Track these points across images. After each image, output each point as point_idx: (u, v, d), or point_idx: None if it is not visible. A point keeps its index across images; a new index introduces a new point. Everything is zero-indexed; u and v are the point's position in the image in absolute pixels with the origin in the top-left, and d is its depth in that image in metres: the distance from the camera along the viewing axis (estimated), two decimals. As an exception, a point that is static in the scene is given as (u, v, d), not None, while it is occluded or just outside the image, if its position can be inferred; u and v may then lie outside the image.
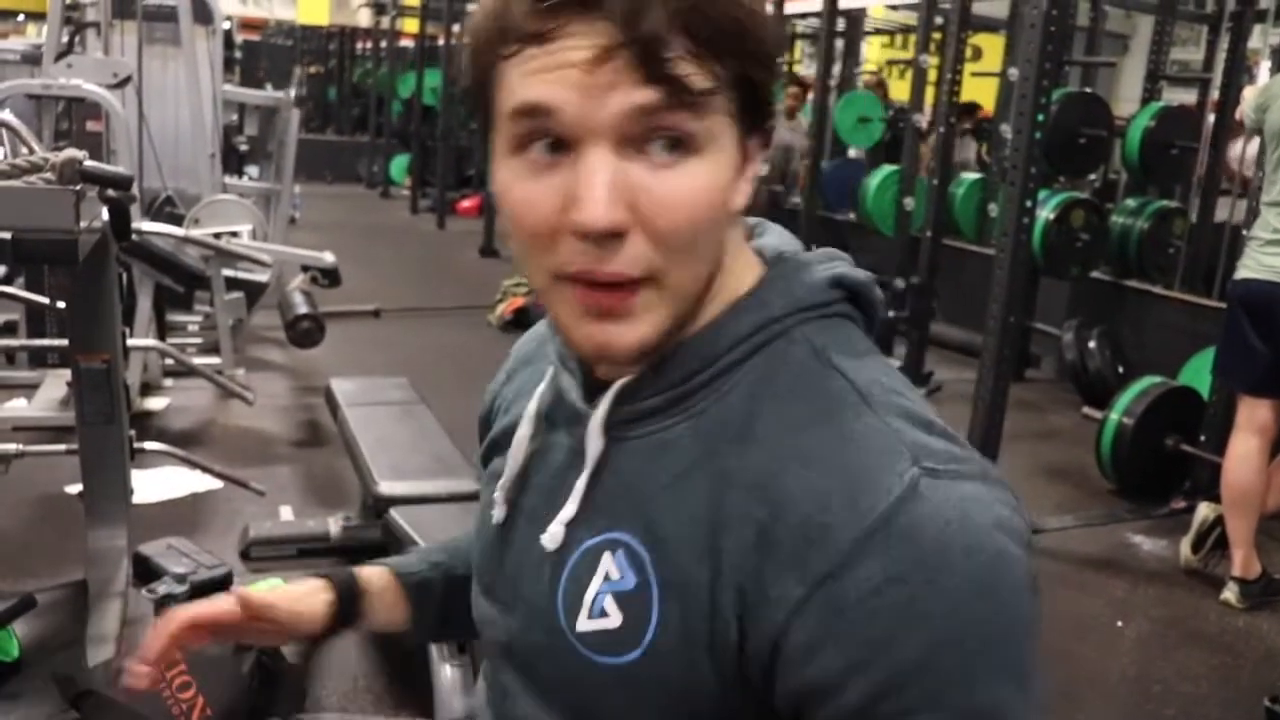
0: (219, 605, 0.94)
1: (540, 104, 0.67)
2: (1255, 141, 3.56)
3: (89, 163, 1.85)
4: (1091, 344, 4.99)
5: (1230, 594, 3.11)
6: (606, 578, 0.74)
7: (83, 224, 1.80)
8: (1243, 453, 3.09)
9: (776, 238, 0.82)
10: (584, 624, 0.75)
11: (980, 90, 6.56)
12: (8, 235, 1.75)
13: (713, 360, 0.74)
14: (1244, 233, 3.60)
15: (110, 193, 1.98)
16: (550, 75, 0.66)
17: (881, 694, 0.64)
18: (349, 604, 0.98)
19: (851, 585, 0.65)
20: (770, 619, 0.67)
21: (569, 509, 0.77)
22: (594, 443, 0.77)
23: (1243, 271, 3.07)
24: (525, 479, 0.84)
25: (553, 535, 0.78)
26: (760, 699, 0.70)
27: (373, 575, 1.01)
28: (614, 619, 0.74)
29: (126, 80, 4.25)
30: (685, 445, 0.73)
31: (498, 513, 0.85)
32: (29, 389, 3.87)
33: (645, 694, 0.73)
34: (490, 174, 0.74)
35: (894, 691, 0.64)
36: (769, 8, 0.76)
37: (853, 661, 0.64)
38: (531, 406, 0.85)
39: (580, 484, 0.77)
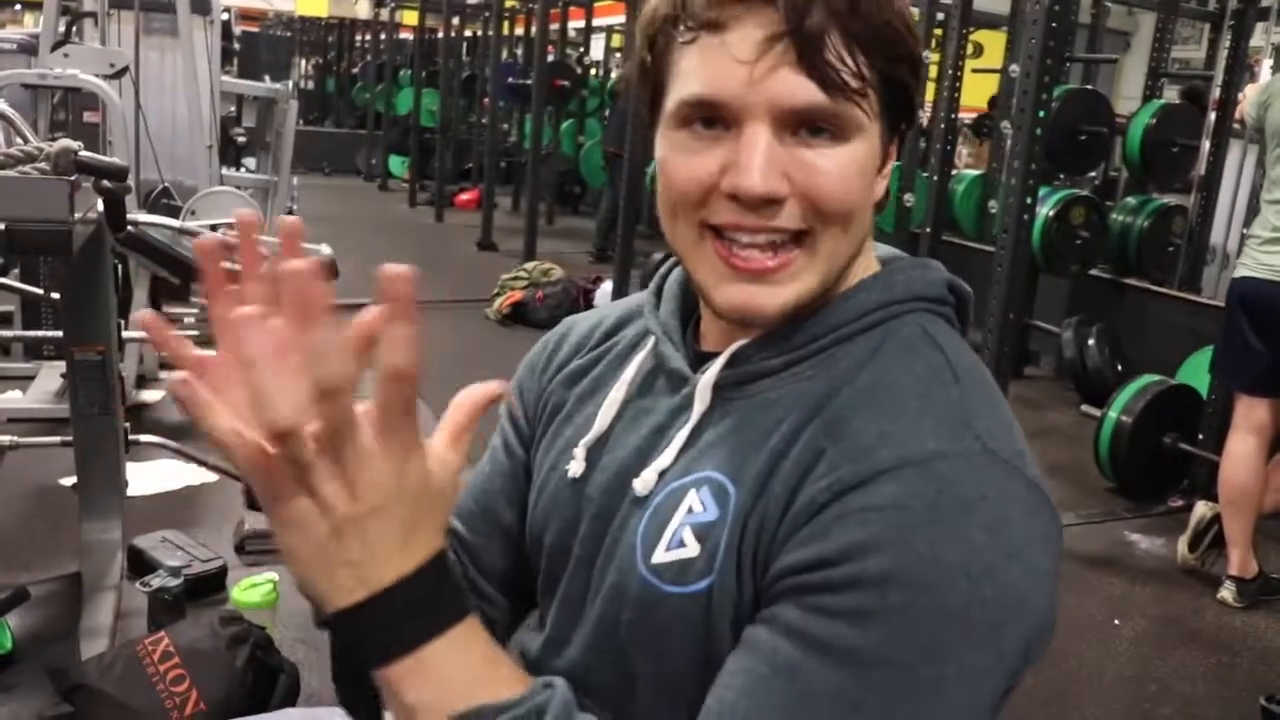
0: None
1: (708, 98, 0.75)
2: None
3: (84, 153, 1.84)
4: (1090, 342, 4.98)
5: (1227, 593, 3.11)
6: (690, 510, 0.78)
7: (77, 215, 1.79)
8: (1240, 452, 3.08)
9: (884, 246, 0.89)
10: (660, 556, 0.79)
11: (981, 87, 6.55)
12: (2, 226, 1.74)
13: (834, 329, 0.80)
14: (1243, 231, 3.60)
15: (106, 184, 1.97)
16: (720, 67, 0.74)
17: (829, 587, 0.68)
18: None
19: (863, 498, 0.69)
20: (794, 521, 0.72)
21: (665, 458, 0.82)
22: (701, 400, 0.82)
23: (1242, 270, 3.06)
24: (607, 439, 0.88)
25: (645, 481, 0.82)
26: None
27: None
28: (691, 548, 0.77)
29: (124, 71, 4.23)
30: (788, 404, 0.78)
31: (575, 467, 0.88)
32: (24, 381, 3.86)
33: (708, 621, 0.76)
34: (655, 141, 0.81)
35: (840, 590, 0.67)
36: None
37: (828, 555, 0.69)
38: (628, 373, 0.90)
39: (681, 435, 0.82)
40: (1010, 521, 0.70)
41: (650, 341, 0.90)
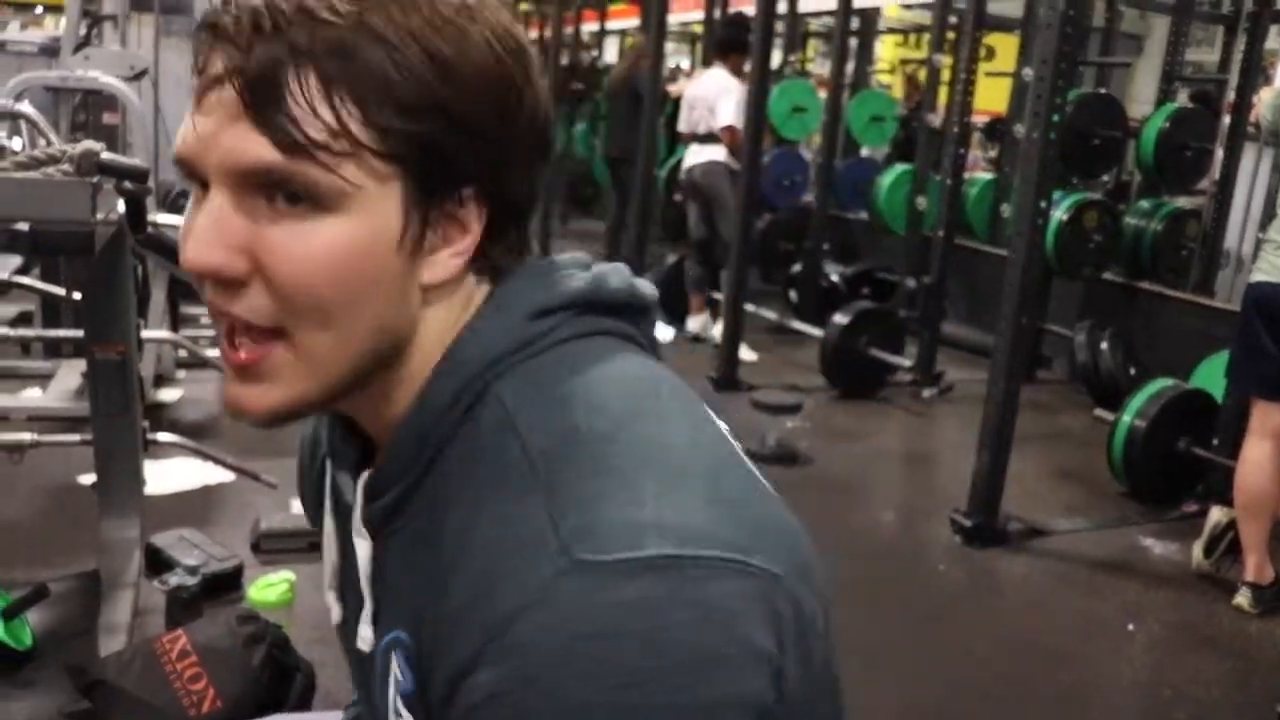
0: None
1: (177, 155, 0.64)
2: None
3: (106, 155, 1.86)
4: (1104, 345, 4.97)
5: (1243, 599, 3.10)
6: (396, 681, 0.68)
7: (99, 216, 1.81)
8: (1256, 457, 3.07)
9: (516, 272, 0.71)
10: None
11: (993, 90, 6.54)
12: (25, 226, 1.76)
13: (421, 443, 0.67)
14: (1259, 235, 3.59)
15: (127, 185, 1.99)
16: (190, 118, 0.63)
17: None
18: None
19: (467, 693, 0.58)
20: (444, 697, 0.62)
21: (367, 609, 0.72)
22: (362, 545, 0.72)
23: (1258, 274, 3.05)
24: (345, 575, 0.78)
25: (363, 637, 0.73)
26: None
27: None
28: None
29: (143, 73, 4.27)
30: (427, 537, 0.66)
31: (335, 612, 0.80)
32: (44, 379, 3.88)
33: None
34: None
35: None
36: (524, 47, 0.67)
37: None
38: (329, 502, 0.79)
39: (365, 581, 0.72)
40: (621, 646, 0.56)
41: (328, 465, 0.79)
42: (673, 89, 6.94)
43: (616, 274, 0.72)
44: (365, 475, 0.70)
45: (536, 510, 0.59)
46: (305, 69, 0.59)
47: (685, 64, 10.73)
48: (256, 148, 0.60)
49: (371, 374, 0.67)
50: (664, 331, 5.77)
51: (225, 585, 2.64)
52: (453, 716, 0.60)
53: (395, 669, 0.68)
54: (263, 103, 0.59)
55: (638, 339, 0.72)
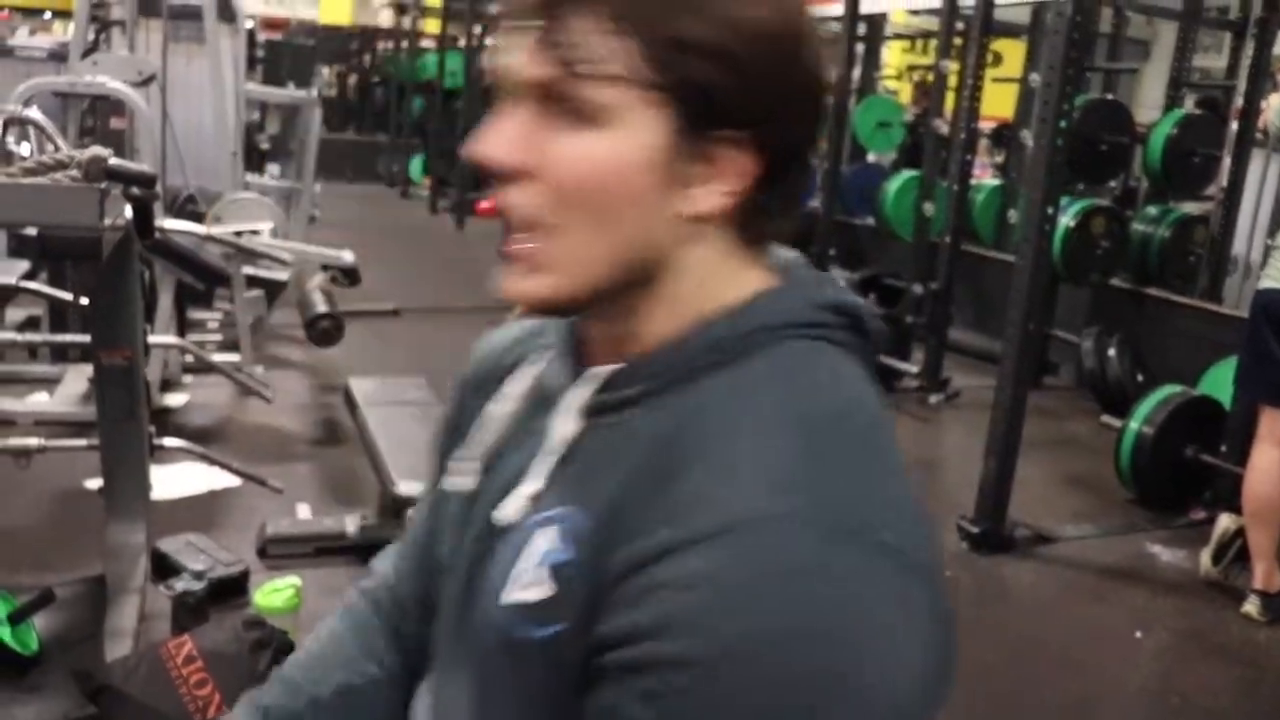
0: None
1: (490, 68, 0.74)
2: None
3: (114, 161, 1.86)
4: (1111, 352, 4.96)
5: (1251, 607, 3.09)
6: (548, 549, 0.73)
7: (107, 221, 1.82)
8: (1265, 465, 3.06)
9: (786, 259, 0.81)
10: (517, 593, 0.74)
11: (1000, 96, 6.54)
12: (34, 231, 1.77)
13: (689, 358, 0.74)
14: (1267, 242, 3.58)
15: (134, 190, 1.99)
16: (498, 39, 0.73)
17: (636, 667, 0.64)
18: None
19: (673, 568, 0.64)
20: (614, 583, 0.67)
21: (531, 485, 0.77)
22: (564, 424, 0.77)
23: (1266, 281, 3.05)
24: (500, 455, 0.84)
25: (513, 508, 0.77)
26: None
27: None
28: (547, 588, 0.72)
29: (151, 78, 4.28)
30: (645, 434, 0.73)
31: (465, 481, 0.85)
32: (51, 384, 3.89)
33: (563, 665, 0.71)
34: None
35: (642, 671, 0.63)
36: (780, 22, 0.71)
37: (637, 630, 0.64)
38: (519, 387, 0.86)
39: (548, 462, 0.77)
40: (825, 599, 0.62)
41: (546, 354, 0.86)
42: None
43: (873, 311, 0.80)
44: (608, 369, 0.76)
45: (794, 458, 0.67)
46: (592, 2, 0.68)
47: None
48: (543, 65, 0.69)
49: (626, 285, 0.74)
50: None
51: (231, 590, 2.64)
52: (632, 582, 0.65)
53: (550, 540, 0.73)
54: (553, 28, 0.68)
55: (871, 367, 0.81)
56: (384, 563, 1.05)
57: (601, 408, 0.76)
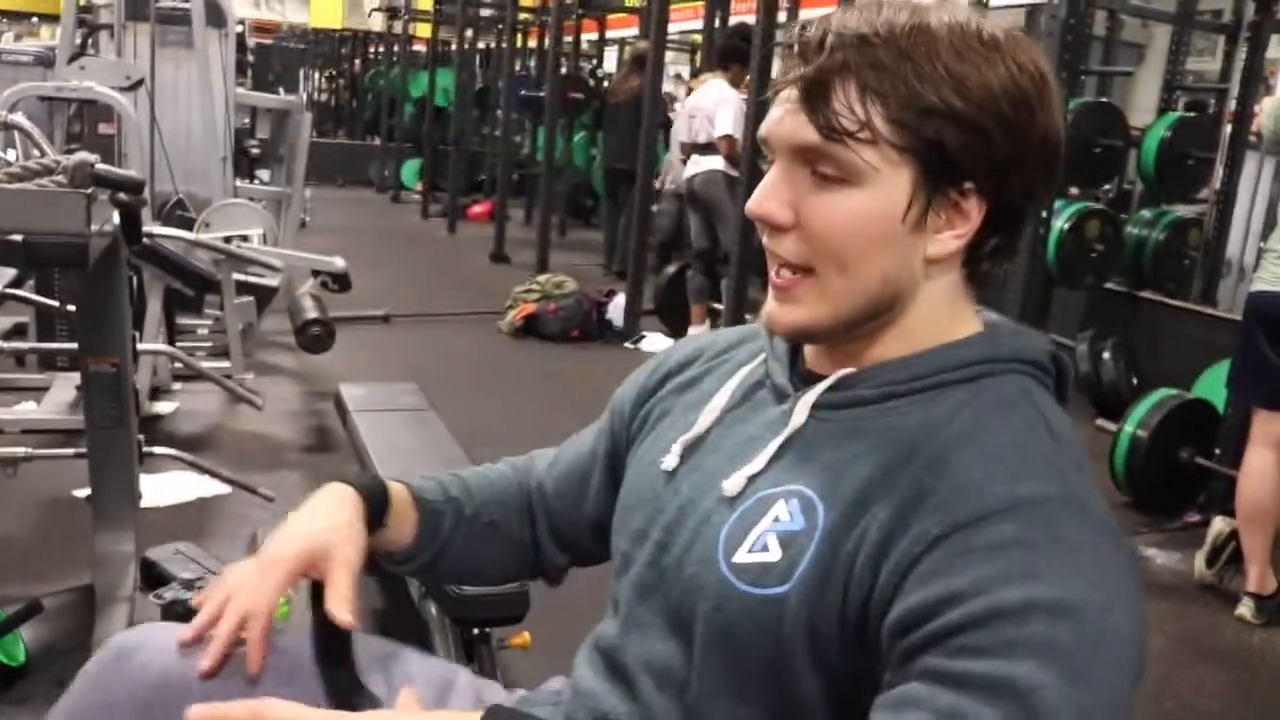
0: (277, 587, 0.99)
1: (760, 134, 0.87)
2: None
3: (101, 166, 1.84)
4: (1105, 355, 4.96)
5: (1245, 609, 3.08)
6: (776, 519, 0.84)
7: (94, 227, 1.79)
8: (1258, 467, 3.06)
9: (992, 314, 0.93)
10: (742, 556, 0.84)
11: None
12: (19, 238, 1.74)
13: (936, 372, 0.85)
14: (1260, 244, 3.58)
15: (122, 196, 1.97)
16: (773, 110, 0.85)
17: (972, 624, 0.71)
18: (375, 515, 1.04)
19: (985, 535, 0.73)
20: (907, 552, 0.75)
21: (757, 463, 0.87)
22: (800, 413, 0.88)
23: (1259, 284, 3.04)
24: (703, 441, 0.95)
25: (734, 483, 0.88)
26: (862, 656, 0.77)
27: (395, 488, 1.08)
28: (773, 553, 0.82)
29: (139, 83, 4.26)
30: (880, 435, 0.83)
31: (669, 460, 0.95)
32: (38, 392, 3.87)
33: (780, 626, 0.80)
34: None
35: (982, 625, 0.70)
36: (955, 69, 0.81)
37: (957, 590, 0.72)
38: (733, 382, 0.97)
39: (775, 444, 0.87)
40: (1115, 569, 0.75)
41: (760, 358, 0.97)
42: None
43: (1056, 350, 0.92)
44: (843, 371, 0.88)
45: (1054, 453, 0.80)
46: (848, 78, 0.79)
47: (685, 73, 10.74)
48: (806, 132, 0.81)
49: (874, 315, 0.85)
50: (664, 342, 5.76)
51: (221, 599, 2.61)
52: (934, 554, 0.74)
53: (779, 511, 0.84)
54: (814, 100, 0.80)
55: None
56: (538, 459, 1.20)
57: (828, 404, 0.87)
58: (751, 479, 0.87)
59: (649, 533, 0.94)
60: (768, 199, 0.84)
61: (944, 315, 0.87)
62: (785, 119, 0.82)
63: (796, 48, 0.83)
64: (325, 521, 1.00)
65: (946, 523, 0.75)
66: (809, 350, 0.93)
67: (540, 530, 1.15)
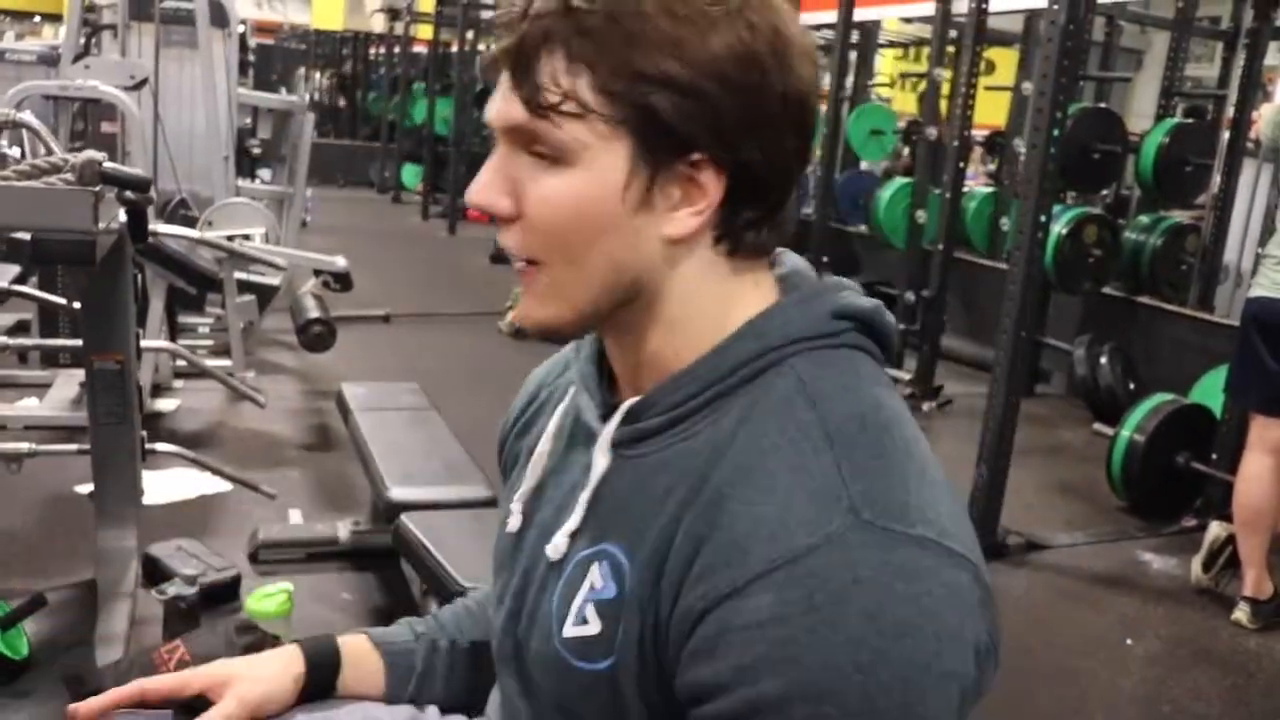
0: (184, 688, 0.97)
1: (486, 115, 0.78)
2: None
3: (109, 165, 1.85)
4: (1103, 360, 4.97)
5: (1242, 614, 3.10)
6: (592, 587, 0.78)
7: (101, 225, 1.81)
8: (1255, 472, 3.07)
9: (790, 266, 0.83)
10: (569, 630, 0.79)
11: (993, 104, 6.56)
12: (26, 235, 1.76)
13: (708, 385, 0.77)
14: (1258, 250, 3.60)
15: (129, 195, 1.98)
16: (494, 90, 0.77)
17: (736, 716, 0.67)
18: (321, 675, 1.00)
19: (742, 611, 0.67)
20: (678, 627, 0.71)
21: (572, 521, 0.81)
22: (599, 460, 0.81)
23: (1256, 290, 3.06)
24: (540, 493, 0.88)
25: (556, 546, 0.82)
26: None
27: (351, 644, 1.03)
28: (593, 626, 0.77)
29: (143, 82, 4.27)
30: (678, 465, 0.76)
31: (513, 521, 0.90)
32: (41, 388, 3.88)
33: (618, 700, 0.76)
34: None
35: (747, 718, 0.66)
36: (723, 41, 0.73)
37: (721, 680, 0.67)
38: (551, 425, 0.90)
39: (584, 498, 0.81)
40: (892, 598, 0.66)
41: (571, 391, 0.90)
42: None
43: (885, 311, 0.82)
44: (629, 402, 0.80)
45: (830, 470, 0.70)
46: (554, 47, 0.72)
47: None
48: (514, 109, 0.74)
49: (618, 306, 0.78)
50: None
51: (223, 595, 2.62)
52: (702, 631, 0.69)
53: (594, 577, 0.78)
54: (520, 74, 0.73)
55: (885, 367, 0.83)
56: None
57: (627, 439, 0.80)
58: (572, 537, 0.81)
59: (504, 599, 0.89)
60: (485, 188, 0.77)
61: (711, 299, 0.78)
62: (498, 98, 0.75)
63: (499, 18, 0.76)
64: (252, 662, 1.00)
65: (709, 596, 0.69)
66: (617, 370, 0.85)
67: None
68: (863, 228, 7.00)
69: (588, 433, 0.84)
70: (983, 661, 0.70)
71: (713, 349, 0.78)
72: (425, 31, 12.46)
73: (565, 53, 0.72)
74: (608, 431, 0.81)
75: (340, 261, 4.29)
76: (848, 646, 0.65)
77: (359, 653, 1.02)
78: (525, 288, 0.80)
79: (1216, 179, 5.05)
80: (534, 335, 0.81)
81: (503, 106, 0.75)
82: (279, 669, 0.98)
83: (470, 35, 11.13)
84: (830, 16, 5.70)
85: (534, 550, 0.85)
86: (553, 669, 0.80)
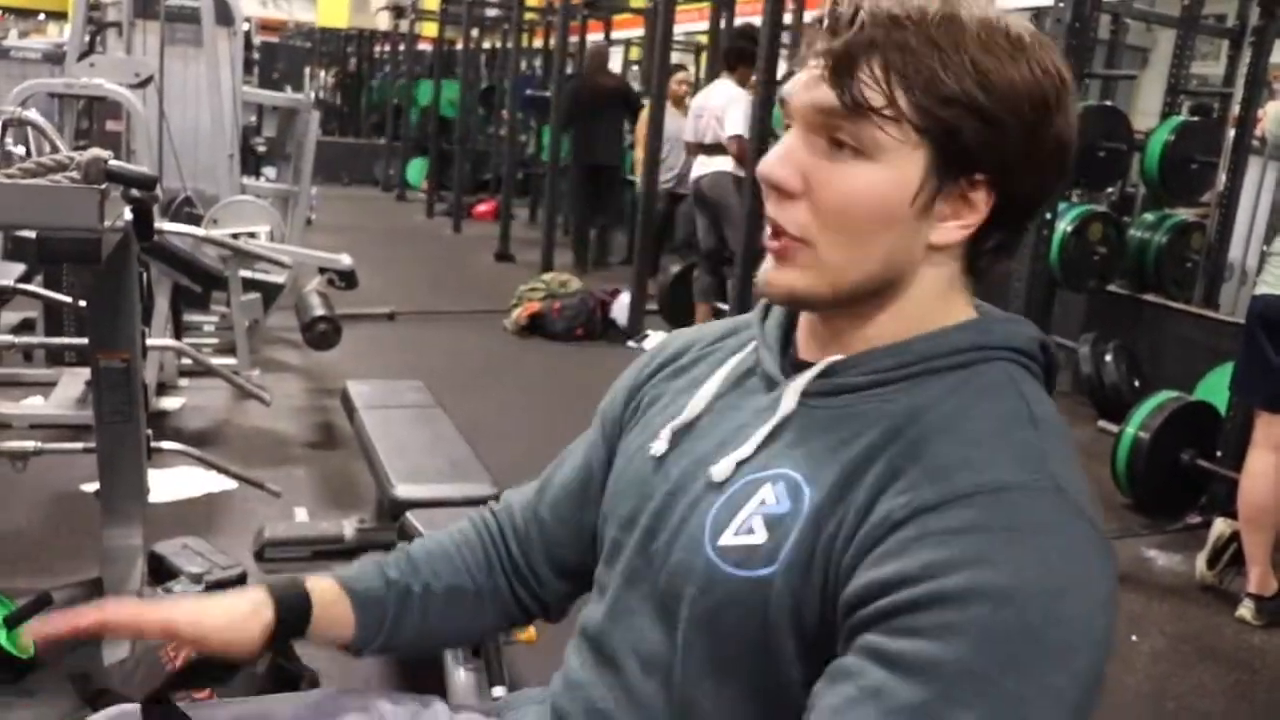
0: (144, 620, 0.97)
1: (782, 91, 0.87)
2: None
3: (114, 163, 1.85)
4: (1108, 357, 4.97)
5: (1246, 611, 3.09)
6: (763, 502, 0.84)
7: (107, 223, 1.81)
8: (1260, 469, 3.07)
9: (976, 298, 0.93)
10: (728, 539, 0.84)
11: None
12: (31, 234, 1.76)
13: (924, 359, 0.85)
14: (1263, 248, 3.59)
15: (134, 193, 1.99)
16: (795, 76, 0.85)
17: (914, 606, 0.72)
18: (292, 621, 1.00)
19: (944, 520, 0.74)
20: (870, 534, 0.77)
21: (745, 449, 0.88)
22: (789, 400, 0.88)
23: (1262, 287, 3.05)
24: (694, 427, 0.95)
25: (722, 468, 0.88)
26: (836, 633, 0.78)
27: (321, 588, 1.03)
28: (759, 536, 0.83)
29: (148, 80, 4.28)
30: (869, 420, 0.83)
31: (658, 446, 0.95)
32: (46, 387, 3.88)
33: (766, 608, 0.81)
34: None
35: (924, 608, 0.72)
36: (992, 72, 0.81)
37: (908, 573, 0.73)
38: (723, 371, 0.97)
39: (763, 431, 0.88)
40: (1080, 553, 0.74)
41: (751, 346, 0.97)
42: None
43: (1045, 338, 0.92)
44: (832, 358, 0.88)
45: (1033, 443, 0.80)
46: (875, 55, 0.80)
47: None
48: (828, 97, 0.81)
49: (868, 295, 0.86)
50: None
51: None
52: (897, 535, 0.75)
53: (765, 494, 0.84)
54: (840, 73, 0.80)
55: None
56: (513, 497, 1.16)
57: (818, 391, 0.88)
58: (740, 464, 0.88)
59: (637, 519, 0.94)
60: (780, 164, 0.84)
61: (938, 303, 0.87)
62: (810, 85, 0.83)
63: (827, 21, 0.83)
64: (216, 605, 1.00)
65: (910, 506, 0.76)
66: (801, 338, 0.94)
67: (534, 566, 1.11)
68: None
69: (769, 381, 0.92)
70: (1114, 619, 0.77)
71: (935, 330, 0.86)
72: (430, 29, 12.47)
73: (884, 62, 0.79)
74: (803, 379, 0.88)
75: (345, 259, 4.29)
76: (1041, 569, 0.72)
77: (328, 598, 1.03)
78: (781, 257, 0.85)
79: (1222, 177, 5.04)
80: (779, 301, 0.91)
81: (816, 93, 0.82)
82: (245, 612, 0.98)
83: (475, 33, 11.13)
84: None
85: (685, 473, 0.91)
86: (700, 578, 0.85)
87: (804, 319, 0.93)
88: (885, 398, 0.84)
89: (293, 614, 1.00)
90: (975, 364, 0.85)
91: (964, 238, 0.84)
